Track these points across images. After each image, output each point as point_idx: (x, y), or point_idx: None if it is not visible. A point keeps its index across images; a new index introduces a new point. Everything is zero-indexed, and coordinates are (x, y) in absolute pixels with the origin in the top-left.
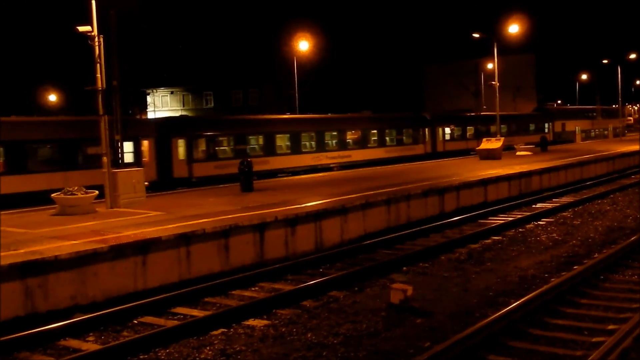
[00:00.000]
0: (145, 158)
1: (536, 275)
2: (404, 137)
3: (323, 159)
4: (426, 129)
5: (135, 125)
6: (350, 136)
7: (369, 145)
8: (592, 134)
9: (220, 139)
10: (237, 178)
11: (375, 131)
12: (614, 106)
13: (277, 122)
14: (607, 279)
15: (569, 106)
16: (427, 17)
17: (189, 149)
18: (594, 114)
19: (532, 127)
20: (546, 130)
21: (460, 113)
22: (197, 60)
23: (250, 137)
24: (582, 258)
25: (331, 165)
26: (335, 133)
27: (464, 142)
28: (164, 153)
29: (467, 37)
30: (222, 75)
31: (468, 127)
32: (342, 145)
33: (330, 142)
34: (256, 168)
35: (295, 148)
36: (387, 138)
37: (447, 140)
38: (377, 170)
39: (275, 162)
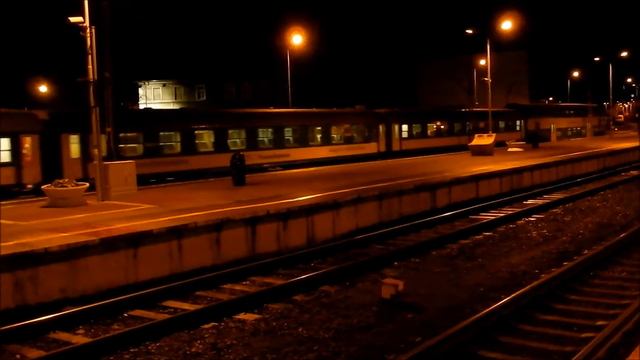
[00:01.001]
0: (28, 157)
1: (527, 271)
2: (354, 135)
3: (255, 158)
4: (380, 126)
5: (13, 118)
6: (288, 133)
7: (311, 144)
8: (569, 132)
9: (126, 135)
10: (146, 180)
11: (319, 128)
12: (604, 104)
13: (198, 117)
14: (597, 276)
15: (560, 103)
16: (421, 13)
17: (85, 147)
18: (571, 111)
19: (501, 124)
20: (517, 128)
21: (424, 108)
22: (190, 52)
23: (164, 133)
24: (572, 254)
25: (265, 166)
26: (270, 130)
27: (424, 140)
28: (51, 151)
29: (461, 33)
30: (215, 68)
31: (429, 125)
32: (279, 143)
33: (264, 139)
34: (171, 168)
35: (221, 146)
36: (334, 136)
37: (405, 139)
38: (370, 166)
39: (196, 162)
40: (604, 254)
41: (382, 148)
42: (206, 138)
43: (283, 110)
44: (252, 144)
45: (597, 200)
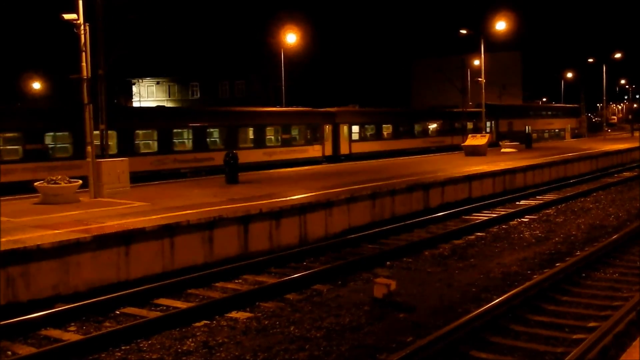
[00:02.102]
0: None
1: (519, 272)
2: (295, 136)
3: (169, 162)
4: (325, 127)
5: None
6: (212, 135)
7: (241, 146)
8: (546, 134)
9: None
10: (21, 188)
11: (250, 129)
12: (598, 105)
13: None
14: (589, 277)
15: (548, 103)
16: (415, 13)
17: None
18: (549, 112)
19: (469, 126)
20: (488, 130)
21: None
22: (185, 50)
23: (52, 134)
24: (564, 255)
25: (183, 171)
26: (188, 131)
27: (379, 142)
28: None
29: (455, 34)
30: (209, 66)
31: (385, 125)
32: (201, 145)
33: (182, 141)
34: (63, 173)
35: (127, 149)
36: (270, 137)
37: (355, 141)
38: (365, 165)
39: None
40: (596, 255)
41: (329, 151)
42: (108, 139)
43: (207, 109)
44: (166, 146)
45: (589, 202)
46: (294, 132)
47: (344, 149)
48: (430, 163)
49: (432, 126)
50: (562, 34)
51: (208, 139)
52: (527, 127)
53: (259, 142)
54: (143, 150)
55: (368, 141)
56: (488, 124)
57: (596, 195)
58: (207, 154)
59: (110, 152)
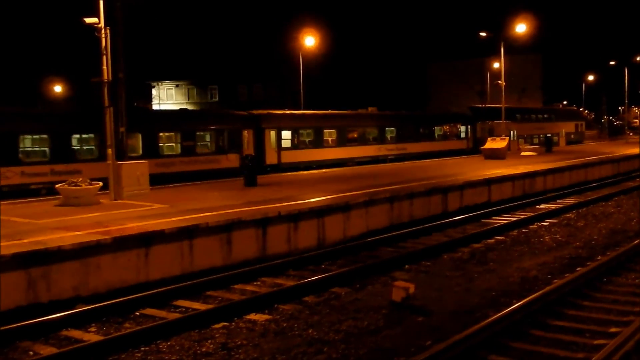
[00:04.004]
0: None
1: (538, 277)
2: (204, 144)
3: (13, 176)
4: (244, 132)
5: None
6: (82, 142)
7: (130, 156)
8: (536, 140)
9: None
10: None
11: (139, 135)
12: (619, 108)
13: None
14: (610, 282)
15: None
16: (433, 16)
17: None
18: (541, 115)
19: (438, 131)
20: (462, 135)
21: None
22: (203, 54)
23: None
24: (585, 260)
25: (33, 187)
26: (43, 136)
27: (318, 150)
28: None
29: (473, 36)
30: (227, 70)
31: (327, 131)
32: (63, 156)
33: (33, 149)
34: None
35: None
36: (170, 145)
37: (286, 149)
38: (383, 167)
39: None
40: (617, 260)
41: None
42: None
43: (77, 109)
44: (9, 156)
45: (611, 206)
46: (203, 139)
47: (271, 159)
48: (449, 167)
49: (391, 131)
50: (583, 37)
51: (76, 148)
52: (512, 132)
53: (150, 151)
54: None
55: (304, 149)
56: (463, 128)
57: (618, 199)
58: (71, 166)
59: None
